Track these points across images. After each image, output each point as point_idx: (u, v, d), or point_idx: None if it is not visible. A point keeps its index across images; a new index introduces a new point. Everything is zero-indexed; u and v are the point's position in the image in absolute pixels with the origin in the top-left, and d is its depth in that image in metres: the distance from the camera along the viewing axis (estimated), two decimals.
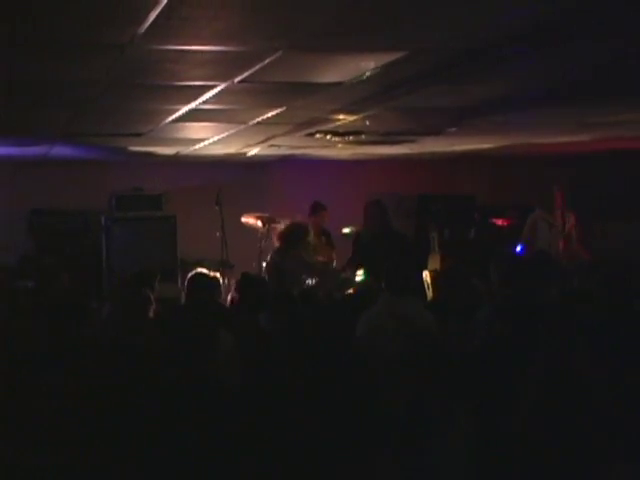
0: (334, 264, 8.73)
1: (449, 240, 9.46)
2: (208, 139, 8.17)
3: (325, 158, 10.60)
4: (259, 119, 6.70)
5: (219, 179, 10.55)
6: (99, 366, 4.30)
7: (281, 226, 8.99)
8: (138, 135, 7.60)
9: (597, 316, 4.62)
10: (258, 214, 9.47)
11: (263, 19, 3.68)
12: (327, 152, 9.70)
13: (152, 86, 5.16)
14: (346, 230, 9.53)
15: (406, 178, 11.60)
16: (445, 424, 3.61)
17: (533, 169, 10.61)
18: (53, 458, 3.72)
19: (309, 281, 7.60)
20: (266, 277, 7.91)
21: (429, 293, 7.93)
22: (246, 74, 4.76)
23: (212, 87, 5.20)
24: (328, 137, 7.89)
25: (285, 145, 8.90)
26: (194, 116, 6.39)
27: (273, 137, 8.11)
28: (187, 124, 6.93)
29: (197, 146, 8.75)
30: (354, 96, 5.65)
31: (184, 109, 6.07)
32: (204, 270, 6.45)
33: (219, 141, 8.25)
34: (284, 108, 6.17)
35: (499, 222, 10.46)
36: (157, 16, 3.47)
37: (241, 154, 9.80)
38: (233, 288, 6.45)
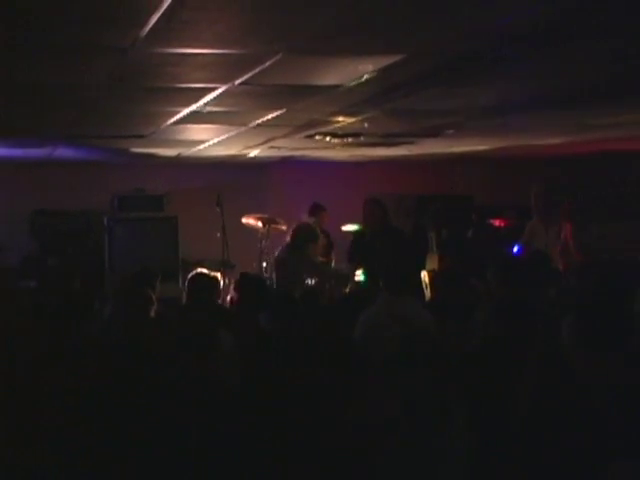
0: (333, 264, 8.77)
1: (447, 240, 9.44)
2: (209, 141, 8.19)
3: (325, 159, 10.60)
4: (259, 121, 6.71)
5: (220, 180, 10.58)
6: (100, 366, 4.32)
7: (281, 227, 9.04)
8: (140, 137, 7.62)
9: (595, 315, 4.64)
10: (258, 215, 9.48)
11: (263, 22, 3.70)
12: (326, 153, 9.70)
13: (154, 89, 5.18)
14: (351, 227, 9.48)
15: (405, 179, 11.63)
16: (444, 424, 3.63)
17: (531, 170, 10.62)
18: (53, 458, 3.74)
19: (309, 281, 7.63)
20: (272, 271, 7.97)
21: (427, 293, 7.95)
22: (246, 77, 4.78)
23: (213, 89, 5.22)
24: (327, 139, 7.90)
25: (285, 147, 8.91)
26: (195, 118, 6.40)
27: (273, 139, 8.13)
28: (188, 126, 6.94)
29: (198, 148, 8.77)
30: (353, 98, 5.66)
31: (185, 111, 6.10)
32: (205, 270, 6.47)
33: (220, 143, 8.26)
34: (284, 110, 6.18)
35: (497, 222, 10.45)
36: (158, 19, 3.48)
37: (242, 155, 9.81)
38: (232, 288, 6.46)
